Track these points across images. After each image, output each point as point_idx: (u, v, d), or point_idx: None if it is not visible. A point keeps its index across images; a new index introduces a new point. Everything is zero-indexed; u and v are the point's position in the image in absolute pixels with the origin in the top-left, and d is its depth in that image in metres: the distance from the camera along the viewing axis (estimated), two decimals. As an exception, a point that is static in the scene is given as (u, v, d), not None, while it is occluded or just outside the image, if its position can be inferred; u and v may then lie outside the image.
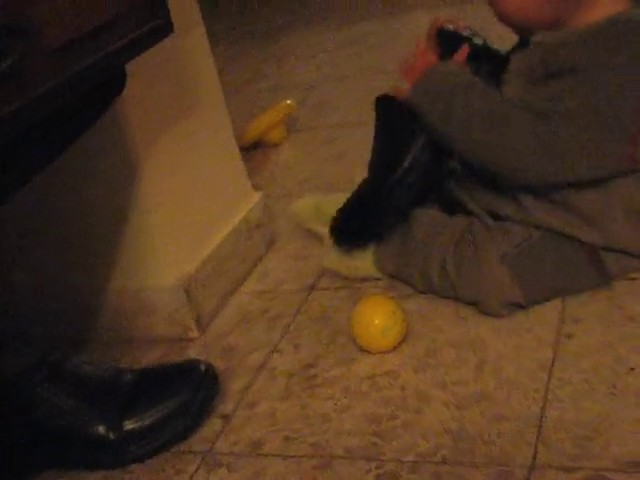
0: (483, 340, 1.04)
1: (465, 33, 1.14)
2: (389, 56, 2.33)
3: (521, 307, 1.07)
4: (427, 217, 1.16)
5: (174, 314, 1.19)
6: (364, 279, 1.21)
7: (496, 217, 1.10)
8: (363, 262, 1.19)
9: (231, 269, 1.29)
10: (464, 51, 1.11)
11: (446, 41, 1.13)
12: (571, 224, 1.05)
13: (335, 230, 1.20)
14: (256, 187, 1.57)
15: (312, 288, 1.25)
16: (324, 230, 1.24)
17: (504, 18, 1.08)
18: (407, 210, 1.17)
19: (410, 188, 1.12)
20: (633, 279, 1.07)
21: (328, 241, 1.22)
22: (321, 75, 2.34)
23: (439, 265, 1.11)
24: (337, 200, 1.22)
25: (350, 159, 1.66)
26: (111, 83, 0.92)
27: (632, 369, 0.93)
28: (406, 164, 1.11)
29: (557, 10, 1.04)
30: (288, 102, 1.91)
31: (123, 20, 0.83)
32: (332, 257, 1.22)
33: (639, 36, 0.99)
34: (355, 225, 1.19)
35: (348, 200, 1.20)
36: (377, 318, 1.05)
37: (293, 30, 2.99)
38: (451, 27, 1.15)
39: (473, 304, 1.09)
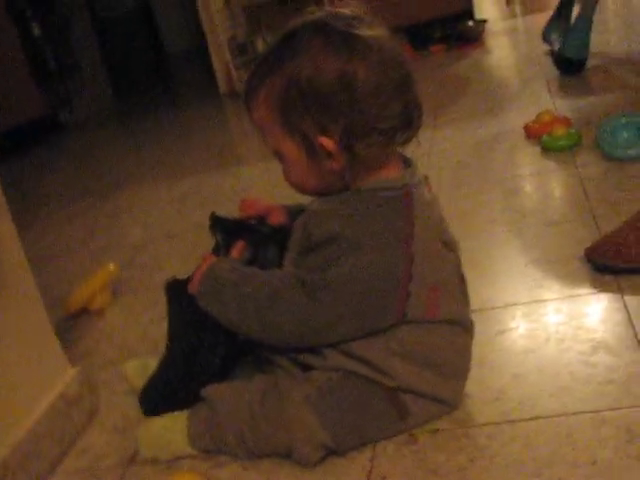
0: (297, 505, 1.05)
1: (250, 221, 1.22)
2: (217, 211, 2.39)
3: (333, 454, 1.10)
4: (226, 387, 1.18)
5: (-18, 505, 1.14)
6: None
7: (305, 368, 1.14)
8: (177, 445, 1.19)
9: (48, 449, 1.26)
10: (239, 247, 1.18)
11: (223, 229, 1.20)
12: (365, 368, 1.10)
13: (143, 400, 1.22)
14: (78, 358, 1.56)
15: (131, 462, 1.23)
16: None
17: (295, 188, 1.14)
18: (218, 373, 1.20)
19: (212, 364, 1.17)
20: (435, 430, 1.12)
21: (142, 428, 1.23)
22: (150, 233, 2.37)
23: (249, 424, 1.12)
24: None
25: (173, 322, 1.67)
26: None
27: (433, 524, 0.96)
28: (205, 344, 1.16)
29: (337, 181, 1.09)
30: (111, 266, 1.92)
31: None
32: (147, 443, 1.21)
33: (369, 207, 1.06)
34: (162, 394, 1.21)
35: (153, 374, 1.22)
36: None
37: (126, 187, 3.03)
38: (225, 216, 1.22)
39: (289, 457, 1.11)
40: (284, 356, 1.15)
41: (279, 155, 1.11)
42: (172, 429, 1.19)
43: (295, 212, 1.20)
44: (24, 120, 4.23)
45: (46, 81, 4.48)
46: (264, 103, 1.07)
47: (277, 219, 1.22)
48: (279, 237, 1.18)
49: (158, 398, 1.24)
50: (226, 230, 1.20)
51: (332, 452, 1.10)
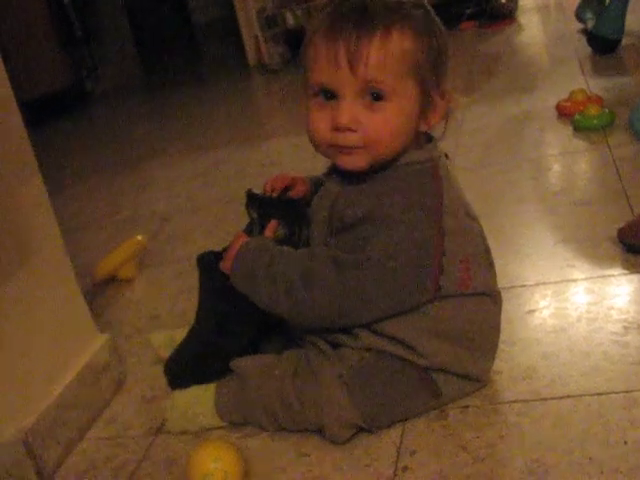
0: (325, 476, 1.05)
1: (274, 195, 1.20)
2: (239, 186, 2.39)
3: (363, 431, 1.10)
4: (256, 361, 1.18)
5: (11, 470, 1.15)
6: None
7: (336, 346, 1.14)
8: (205, 417, 1.19)
9: (75, 417, 1.26)
10: (272, 226, 1.17)
11: (257, 205, 1.19)
12: (397, 347, 1.09)
13: (168, 370, 1.24)
14: (105, 326, 1.57)
15: (158, 431, 1.24)
16: None
17: (375, 144, 1.05)
18: (246, 346, 1.20)
19: (241, 337, 1.17)
20: (466, 407, 1.12)
21: (169, 402, 1.23)
22: (175, 206, 2.37)
23: (280, 400, 1.12)
24: None
25: (200, 293, 1.67)
26: None
27: (463, 499, 0.96)
28: (235, 317, 1.16)
29: (407, 146, 1.08)
30: (139, 238, 1.92)
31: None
32: (174, 417, 1.21)
33: (411, 179, 1.06)
34: (189, 365, 1.22)
35: (180, 344, 1.23)
36: (198, 465, 1.05)
37: (151, 159, 3.03)
38: (261, 193, 1.21)
39: (319, 431, 1.11)
40: (316, 334, 1.15)
41: (383, 96, 1.03)
42: (200, 402, 1.19)
43: (316, 184, 1.20)
44: (50, 89, 4.22)
45: (73, 48, 4.46)
46: (401, 43, 1.02)
47: (300, 190, 1.22)
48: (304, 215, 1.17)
49: (184, 369, 1.24)
50: (261, 207, 1.18)
51: (362, 429, 1.10)
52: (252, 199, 1.20)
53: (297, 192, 1.22)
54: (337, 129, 1.04)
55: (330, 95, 1.04)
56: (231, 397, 1.18)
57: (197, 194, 2.46)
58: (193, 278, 1.75)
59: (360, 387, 1.09)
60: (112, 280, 1.86)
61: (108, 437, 1.26)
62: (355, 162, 1.06)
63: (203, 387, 1.21)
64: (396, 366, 1.10)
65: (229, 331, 1.20)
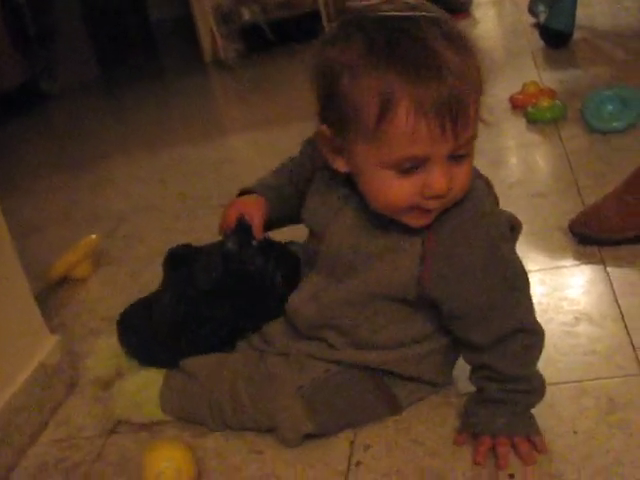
0: (278, 476, 1.05)
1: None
2: (196, 183, 2.38)
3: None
4: (205, 360, 1.17)
5: (-39, 476, 1.13)
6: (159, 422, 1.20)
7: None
8: (148, 408, 1.19)
9: (27, 420, 1.25)
10: None
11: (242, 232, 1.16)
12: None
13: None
14: (59, 327, 1.55)
15: (112, 432, 1.23)
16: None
17: (454, 199, 0.96)
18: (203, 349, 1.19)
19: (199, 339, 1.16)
20: (419, 401, 1.12)
21: (116, 387, 1.22)
22: (132, 205, 2.35)
23: (231, 400, 1.12)
24: None
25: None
26: None
27: (416, 493, 0.96)
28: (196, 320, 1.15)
29: None
30: (92, 237, 1.90)
31: None
32: (121, 403, 1.21)
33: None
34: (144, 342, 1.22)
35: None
36: (151, 465, 1.05)
37: (109, 158, 3.00)
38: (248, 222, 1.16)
39: (270, 431, 1.11)
40: (284, 342, 1.13)
41: (470, 146, 0.93)
42: (146, 390, 1.19)
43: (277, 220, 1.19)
44: (3, 88, 4.15)
45: (26, 47, 4.40)
46: (479, 79, 0.92)
47: (256, 215, 1.17)
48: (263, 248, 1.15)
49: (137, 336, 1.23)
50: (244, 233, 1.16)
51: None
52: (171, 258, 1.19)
53: (252, 217, 1.17)
54: (432, 196, 0.92)
55: (419, 163, 0.90)
56: (176, 390, 1.17)
57: (154, 192, 2.44)
58: (147, 277, 1.76)
59: (320, 401, 1.08)
60: (67, 280, 1.84)
61: (61, 439, 1.25)
62: (430, 220, 0.97)
63: (152, 374, 1.20)
64: (355, 378, 1.08)
65: (186, 331, 1.18)
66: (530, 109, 2.16)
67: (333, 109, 0.93)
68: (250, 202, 1.19)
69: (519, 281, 1.02)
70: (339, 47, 0.91)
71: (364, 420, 1.10)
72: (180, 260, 1.18)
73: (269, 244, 1.16)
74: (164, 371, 1.20)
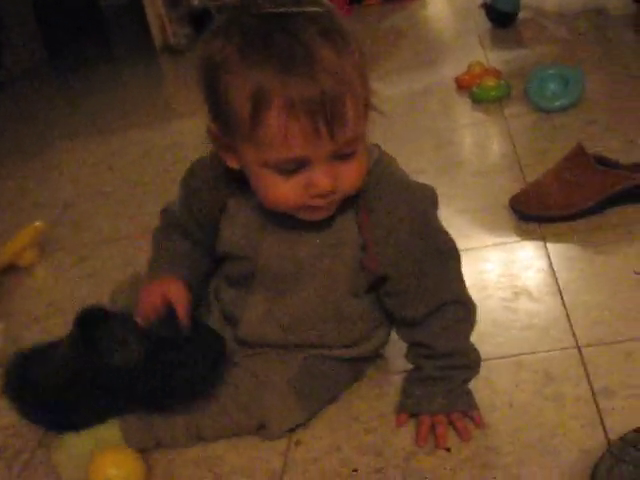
0: (220, 456, 1.05)
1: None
2: (144, 169, 2.37)
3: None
4: None
5: None
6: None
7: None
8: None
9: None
10: None
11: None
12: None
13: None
14: (4, 315, 1.54)
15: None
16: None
17: (346, 194, 0.96)
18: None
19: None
20: (361, 380, 1.13)
21: (59, 452, 1.08)
22: (79, 191, 2.33)
23: (209, 414, 1.06)
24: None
25: (101, 278, 1.66)
26: None
27: (355, 470, 0.97)
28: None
29: None
30: (37, 224, 1.88)
31: None
32: (74, 465, 1.06)
33: None
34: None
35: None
36: (97, 470, 1.01)
37: (57, 145, 2.97)
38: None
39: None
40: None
41: (356, 144, 0.92)
42: (104, 440, 1.06)
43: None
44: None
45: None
46: (359, 77, 0.90)
47: (180, 296, 1.07)
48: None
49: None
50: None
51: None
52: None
53: (178, 303, 1.06)
54: (317, 195, 0.92)
55: (301, 164, 0.89)
56: (141, 422, 1.07)
57: (102, 178, 2.41)
58: (94, 264, 1.76)
59: (308, 389, 1.07)
60: (12, 268, 1.82)
61: (3, 427, 1.24)
62: (327, 214, 0.97)
63: (102, 426, 1.07)
64: (333, 361, 1.09)
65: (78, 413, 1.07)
66: (475, 89, 2.17)
67: (216, 106, 0.92)
68: (172, 287, 1.08)
69: (452, 251, 1.04)
70: (219, 42, 0.89)
71: (336, 393, 1.11)
72: (90, 322, 1.09)
73: (195, 328, 1.07)
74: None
